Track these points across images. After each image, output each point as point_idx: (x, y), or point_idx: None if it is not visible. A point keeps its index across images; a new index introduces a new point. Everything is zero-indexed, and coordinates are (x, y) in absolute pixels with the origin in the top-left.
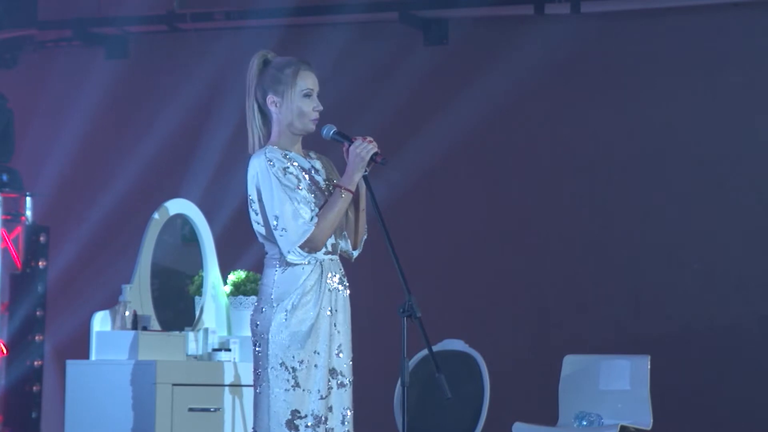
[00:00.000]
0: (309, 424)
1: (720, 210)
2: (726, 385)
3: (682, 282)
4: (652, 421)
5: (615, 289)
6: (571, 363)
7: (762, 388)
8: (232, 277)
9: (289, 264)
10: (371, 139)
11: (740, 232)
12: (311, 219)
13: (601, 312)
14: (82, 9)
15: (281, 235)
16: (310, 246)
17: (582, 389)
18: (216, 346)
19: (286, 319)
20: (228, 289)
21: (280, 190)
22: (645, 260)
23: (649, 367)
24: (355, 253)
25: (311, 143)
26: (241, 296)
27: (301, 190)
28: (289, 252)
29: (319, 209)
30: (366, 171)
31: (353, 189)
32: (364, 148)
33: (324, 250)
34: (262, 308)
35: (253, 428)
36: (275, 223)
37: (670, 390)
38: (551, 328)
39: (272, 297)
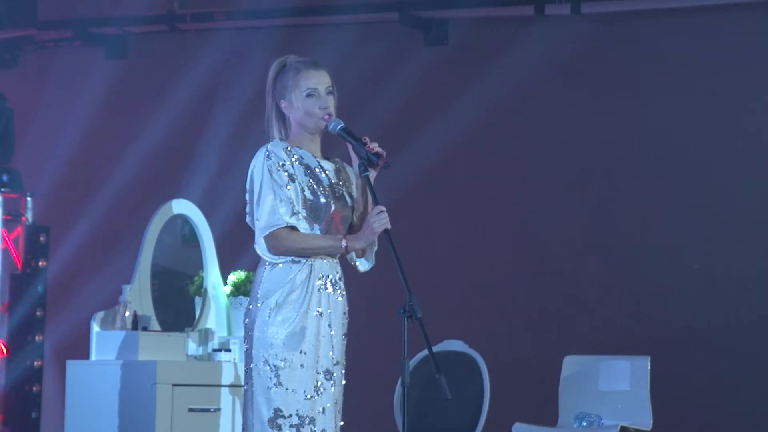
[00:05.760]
0: (293, 423)
1: (720, 210)
2: (726, 385)
3: (682, 282)
4: (652, 421)
5: (615, 289)
6: (571, 363)
7: (762, 388)
8: (232, 277)
9: (278, 262)
10: (374, 143)
11: (740, 232)
12: (289, 217)
13: (601, 312)
14: (82, 9)
15: (255, 225)
16: (271, 244)
17: (582, 390)
18: (216, 347)
19: (269, 317)
20: (228, 289)
21: (268, 182)
22: (645, 260)
23: (648, 367)
24: (364, 264)
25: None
26: (241, 296)
27: (288, 189)
28: (256, 244)
29: (309, 211)
30: (369, 172)
31: (352, 249)
32: (379, 222)
33: None
34: (250, 305)
35: (242, 426)
36: (255, 211)
37: (670, 390)
38: (551, 328)
39: (258, 294)
